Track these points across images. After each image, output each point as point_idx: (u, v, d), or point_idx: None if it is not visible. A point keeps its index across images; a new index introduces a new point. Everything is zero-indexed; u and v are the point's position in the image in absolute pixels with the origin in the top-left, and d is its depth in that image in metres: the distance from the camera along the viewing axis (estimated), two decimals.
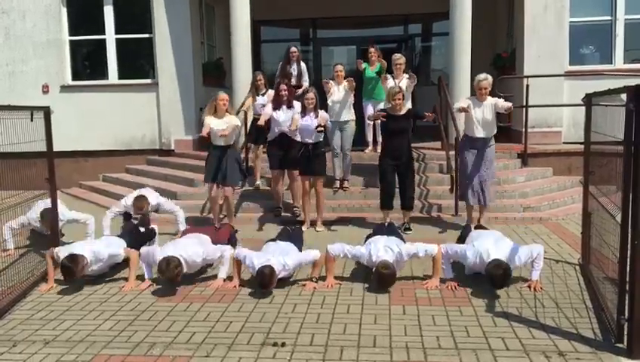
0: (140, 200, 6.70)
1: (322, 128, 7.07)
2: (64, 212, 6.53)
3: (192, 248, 5.29)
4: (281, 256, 5.10)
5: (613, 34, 9.92)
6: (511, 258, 4.88)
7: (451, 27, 9.20)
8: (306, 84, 9.31)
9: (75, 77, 11.12)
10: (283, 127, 7.48)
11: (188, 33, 10.56)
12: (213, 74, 11.73)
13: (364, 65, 9.06)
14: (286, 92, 7.60)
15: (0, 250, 6.28)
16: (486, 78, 6.78)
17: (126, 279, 5.37)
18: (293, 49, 9.29)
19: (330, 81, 8.24)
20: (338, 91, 8.09)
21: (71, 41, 11.04)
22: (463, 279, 5.10)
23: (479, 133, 6.85)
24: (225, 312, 4.58)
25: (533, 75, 9.22)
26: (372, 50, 9.08)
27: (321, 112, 7.29)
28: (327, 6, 12.90)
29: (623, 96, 3.69)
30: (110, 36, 10.91)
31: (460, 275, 5.14)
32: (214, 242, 5.65)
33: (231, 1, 9.53)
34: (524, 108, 9.07)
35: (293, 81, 9.07)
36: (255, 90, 8.50)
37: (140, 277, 5.37)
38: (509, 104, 6.78)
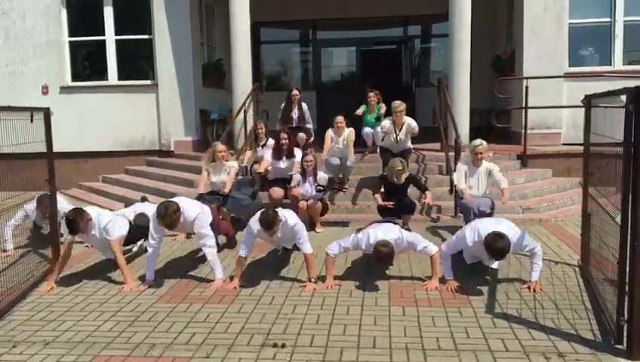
0: (140, 219, 6.62)
1: (322, 188, 7.24)
2: (63, 204, 6.56)
3: (190, 203, 5.40)
4: (283, 211, 5.21)
5: (613, 35, 9.94)
6: (511, 234, 4.81)
7: (451, 28, 9.22)
8: (309, 125, 9.33)
9: (74, 78, 11.13)
10: (283, 174, 7.65)
11: (188, 34, 10.57)
12: (213, 75, 11.75)
13: (362, 109, 9.16)
14: (286, 140, 7.68)
15: (0, 250, 6.30)
16: (481, 144, 6.73)
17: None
18: (295, 92, 9.28)
19: (330, 133, 8.22)
20: (338, 144, 8.15)
21: (71, 42, 11.04)
22: (462, 280, 5.10)
23: (472, 194, 6.75)
24: (225, 313, 4.58)
25: (532, 77, 9.23)
26: (371, 94, 9.15)
27: (320, 174, 7.40)
28: (327, 7, 12.92)
29: (623, 98, 3.70)
30: (110, 37, 10.91)
31: (460, 275, 5.13)
32: (214, 221, 5.66)
33: (231, 2, 9.55)
34: (523, 110, 9.08)
35: (294, 124, 9.11)
36: (255, 138, 8.52)
37: (141, 278, 5.37)
38: (506, 185, 6.71)
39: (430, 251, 5.11)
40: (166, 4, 10.43)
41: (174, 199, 5.38)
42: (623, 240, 3.70)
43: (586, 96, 5.20)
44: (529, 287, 4.92)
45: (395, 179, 6.79)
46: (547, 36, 9.74)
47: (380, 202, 6.74)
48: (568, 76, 9.70)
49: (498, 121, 10.01)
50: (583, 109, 5.36)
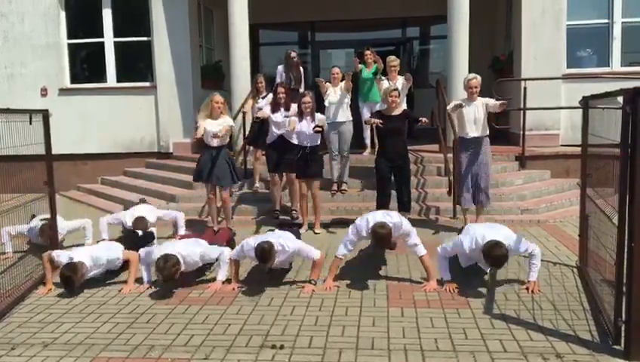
0: (139, 223, 6.61)
1: (320, 128, 7.06)
2: (62, 225, 6.51)
3: (190, 247, 5.30)
4: (280, 238, 5.13)
5: (611, 37, 9.95)
6: (508, 241, 4.84)
7: (449, 30, 9.22)
8: (301, 89, 9.36)
9: (73, 80, 11.14)
10: (281, 128, 7.51)
11: (186, 36, 10.58)
12: (212, 77, 11.75)
13: (360, 66, 9.08)
14: (284, 94, 7.64)
15: None
16: (475, 77, 6.89)
17: (125, 282, 5.37)
18: (294, 54, 9.32)
19: (327, 83, 8.23)
20: (334, 93, 8.10)
21: (69, 44, 11.06)
22: (461, 280, 5.11)
23: (472, 132, 6.90)
24: (223, 315, 4.58)
25: (530, 78, 9.23)
26: (368, 52, 9.14)
27: (318, 115, 7.30)
28: (326, 9, 12.92)
29: (620, 99, 3.71)
30: (109, 39, 10.92)
31: (458, 276, 5.14)
32: (210, 243, 5.64)
33: (229, 4, 9.55)
34: (521, 111, 9.10)
35: (292, 86, 9.11)
36: (256, 92, 8.53)
37: (139, 280, 5.37)
38: (501, 101, 6.79)
39: (419, 252, 5.12)
40: (165, 6, 10.44)
41: (173, 252, 5.11)
42: (620, 241, 3.71)
43: (584, 98, 5.21)
44: (527, 288, 4.92)
45: (391, 99, 6.78)
46: (545, 37, 9.75)
47: (373, 120, 6.85)
48: (566, 77, 9.72)
49: (496, 122, 10.00)
50: (581, 111, 5.38)
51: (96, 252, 5.42)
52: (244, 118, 9.29)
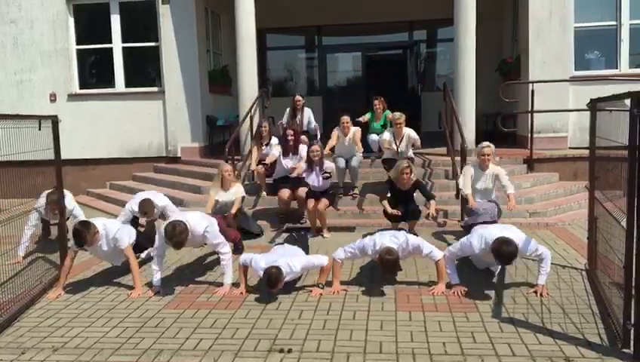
0: (146, 205, 6.65)
1: (329, 175, 7.22)
2: (70, 201, 6.63)
3: (197, 219, 5.35)
4: (289, 258, 5.12)
5: (618, 39, 9.92)
6: (517, 240, 4.80)
7: (456, 33, 9.22)
8: (316, 129, 9.43)
9: (82, 85, 11.22)
10: (290, 173, 7.66)
11: (194, 41, 10.64)
12: (219, 81, 11.81)
13: (368, 117, 9.13)
14: (292, 137, 7.76)
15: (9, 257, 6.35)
16: (488, 146, 6.70)
17: (132, 287, 5.39)
18: (298, 98, 9.40)
19: (337, 131, 8.19)
20: (344, 143, 8.12)
21: (78, 50, 11.15)
22: (468, 284, 5.10)
23: (478, 199, 6.74)
24: (232, 319, 4.60)
25: (538, 81, 9.21)
26: (376, 102, 9.15)
27: (327, 162, 7.39)
28: (332, 13, 12.97)
29: (628, 102, 3.70)
30: (117, 45, 11.00)
31: (466, 280, 5.13)
32: (220, 231, 5.62)
33: (236, 9, 9.60)
34: (529, 114, 9.07)
35: (300, 129, 9.14)
36: (259, 138, 8.57)
37: (148, 284, 5.40)
38: (512, 191, 6.69)
39: (435, 256, 5.12)
40: (172, 11, 10.51)
41: (180, 217, 5.28)
42: (629, 243, 3.70)
43: (591, 100, 5.20)
44: (536, 291, 4.91)
45: (404, 176, 6.72)
46: (552, 40, 9.73)
47: (389, 209, 6.75)
48: (574, 80, 9.69)
49: (504, 125, 9.99)
50: (589, 113, 5.36)
51: (110, 223, 5.56)
52: (251, 122, 9.32)
